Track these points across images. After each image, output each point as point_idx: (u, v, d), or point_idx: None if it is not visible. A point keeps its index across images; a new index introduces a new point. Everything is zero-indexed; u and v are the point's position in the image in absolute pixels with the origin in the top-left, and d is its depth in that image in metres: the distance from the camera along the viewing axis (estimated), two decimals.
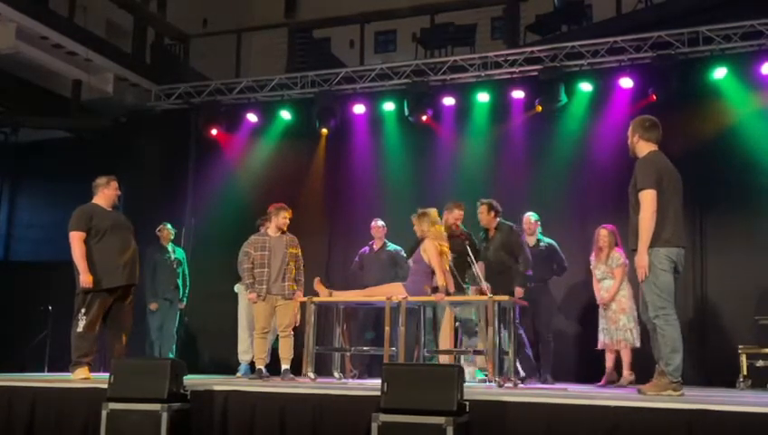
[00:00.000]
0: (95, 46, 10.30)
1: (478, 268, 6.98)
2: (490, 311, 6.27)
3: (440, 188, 9.41)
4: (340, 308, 7.19)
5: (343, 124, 10.34)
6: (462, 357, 7.01)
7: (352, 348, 7.45)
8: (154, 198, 10.47)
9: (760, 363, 7.39)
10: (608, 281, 7.54)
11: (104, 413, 4.85)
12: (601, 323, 7.60)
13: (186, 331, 9.53)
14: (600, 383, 7.52)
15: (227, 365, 8.76)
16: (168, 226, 9.08)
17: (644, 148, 5.43)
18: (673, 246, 5.22)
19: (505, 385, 6.23)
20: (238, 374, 8.20)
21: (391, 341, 6.53)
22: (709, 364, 8.02)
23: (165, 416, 4.76)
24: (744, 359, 7.43)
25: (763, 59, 8.61)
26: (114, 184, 6.78)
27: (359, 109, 10.29)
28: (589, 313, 8.16)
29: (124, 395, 4.89)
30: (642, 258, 5.19)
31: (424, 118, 9.79)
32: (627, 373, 7.42)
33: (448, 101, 9.90)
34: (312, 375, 6.71)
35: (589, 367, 7.97)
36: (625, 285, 7.49)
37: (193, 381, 5.47)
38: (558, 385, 7.28)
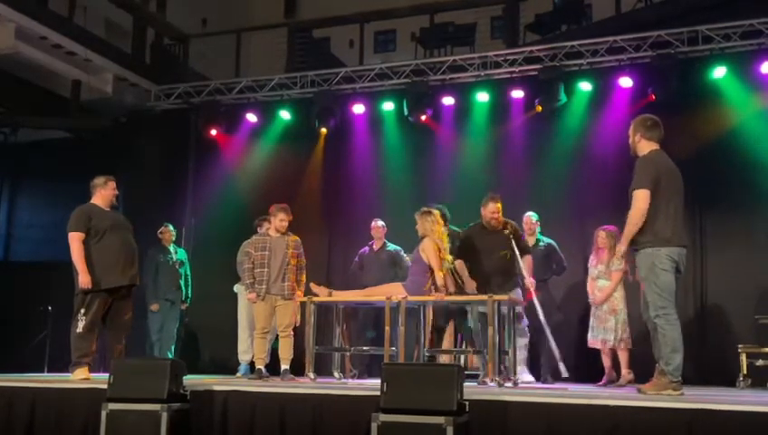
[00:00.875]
0: (95, 46, 10.29)
1: (525, 262, 6.86)
2: (490, 311, 6.27)
3: (440, 188, 9.41)
4: (340, 308, 7.19)
5: (343, 124, 10.34)
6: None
7: (352, 348, 7.44)
8: (154, 198, 10.46)
9: (760, 363, 7.39)
10: (603, 281, 7.54)
11: (104, 413, 4.85)
12: (591, 322, 7.63)
13: (186, 331, 9.52)
14: (600, 383, 7.52)
15: (227, 365, 8.76)
16: (170, 226, 9.09)
17: (645, 147, 5.42)
18: (674, 245, 5.22)
19: (505, 384, 6.24)
20: (238, 374, 8.20)
21: (391, 341, 6.53)
22: (709, 364, 8.01)
23: (165, 416, 4.76)
24: (743, 358, 7.43)
25: (762, 58, 8.60)
26: (112, 184, 6.77)
27: (358, 109, 10.29)
28: (588, 312, 8.14)
29: (124, 395, 4.89)
30: (619, 252, 5.51)
31: (423, 118, 9.79)
32: (608, 374, 7.44)
33: (448, 100, 9.90)
34: (311, 375, 6.71)
35: (589, 367, 7.96)
36: (619, 288, 7.49)
37: (193, 381, 5.47)
38: (558, 385, 7.28)
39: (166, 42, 12.24)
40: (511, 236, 6.84)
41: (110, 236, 6.54)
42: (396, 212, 8.75)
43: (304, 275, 7.33)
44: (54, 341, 9.16)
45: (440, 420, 4.17)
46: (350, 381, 7.11)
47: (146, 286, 8.69)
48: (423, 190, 9.38)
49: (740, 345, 7.58)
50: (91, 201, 6.72)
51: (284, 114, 10.64)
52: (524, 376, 6.88)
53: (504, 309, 6.45)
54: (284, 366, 7.07)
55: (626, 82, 9.12)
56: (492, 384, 6.15)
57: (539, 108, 9.40)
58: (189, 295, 9.09)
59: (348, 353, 7.58)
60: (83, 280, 6.34)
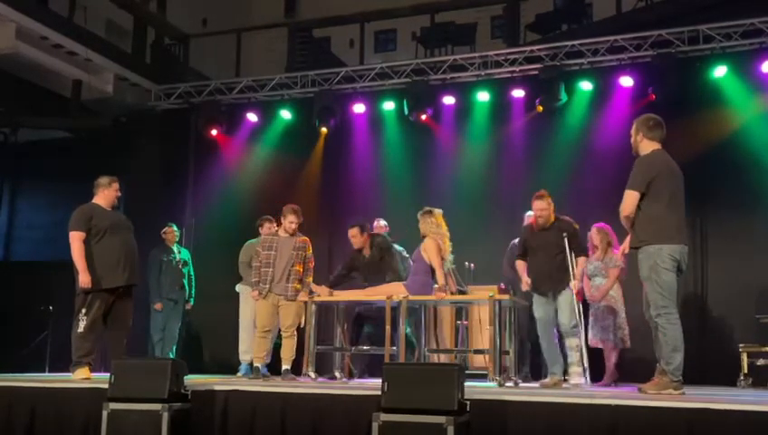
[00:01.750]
0: (95, 46, 10.29)
1: (578, 263, 6.64)
2: (490, 310, 6.27)
3: (440, 187, 9.43)
4: (341, 308, 7.19)
5: (343, 123, 10.34)
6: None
7: (353, 348, 7.45)
8: (154, 198, 10.46)
9: (761, 362, 7.39)
10: (599, 278, 7.52)
11: (105, 413, 4.85)
12: (591, 321, 7.61)
13: (187, 330, 9.52)
14: (601, 382, 7.51)
15: (228, 365, 8.76)
16: (174, 226, 9.10)
17: (647, 146, 5.42)
18: (676, 243, 5.22)
19: (506, 384, 6.24)
20: (239, 374, 8.20)
21: (392, 340, 6.53)
22: (710, 363, 8.01)
23: (165, 416, 4.76)
24: (744, 357, 7.43)
25: (763, 57, 8.60)
26: (116, 185, 6.77)
27: (359, 108, 10.30)
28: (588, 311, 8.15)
29: (125, 395, 4.89)
30: (624, 247, 5.54)
31: (424, 117, 9.80)
32: (609, 373, 7.43)
33: (448, 100, 9.90)
34: (312, 375, 6.71)
35: (590, 366, 7.95)
36: (616, 286, 7.48)
37: (194, 380, 5.47)
38: None
39: (166, 42, 12.24)
40: (563, 235, 6.54)
41: (110, 235, 6.54)
42: (396, 211, 8.76)
43: (311, 277, 7.31)
44: (55, 341, 9.17)
45: (441, 419, 4.17)
46: (350, 380, 7.11)
47: (149, 286, 8.71)
48: (424, 190, 9.39)
49: (741, 345, 7.58)
50: (93, 201, 6.71)
51: (285, 114, 10.65)
52: (576, 379, 6.56)
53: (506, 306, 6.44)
54: (286, 366, 7.06)
55: (626, 81, 9.13)
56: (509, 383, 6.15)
57: (539, 108, 9.40)
58: (193, 295, 9.10)
59: (348, 353, 7.57)
60: (84, 280, 6.34)
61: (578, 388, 6.20)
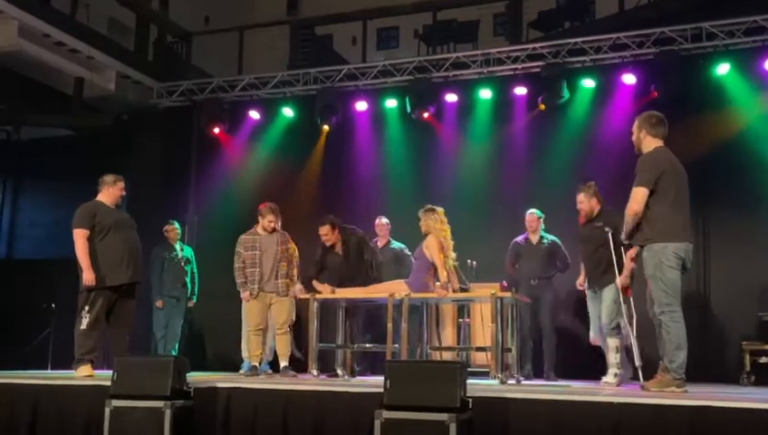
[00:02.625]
0: (97, 44, 10.29)
1: (627, 256, 6.34)
2: (492, 308, 6.27)
3: (442, 185, 9.42)
4: (343, 305, 7.19)
5: (345, 121, 10.33)
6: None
7: (355, 345, 7.45)
8: (156, 196, 10.47)
9: (763, 360, 7.40)
10: None
11: (107, 410, 4.85)
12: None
13: (189, 328, 9.53)
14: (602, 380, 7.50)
15: (231, 362, 8.76)
16: (176, 224, 9.11)
17: (650, 144, 5.41)
18: (681, 241, 5.22)
19: (508, 381, 6.24)
20: (241, 371, 8.20)
21: (394, 337, 6.53)
22: (712, 361, 8.00)
23: (168, 413, 4.76)
24: (747, 355, 7.43)
25: (766, 55, 8.57)
26: (121, 184, 6.76)
27: (361, 106, 10.29)
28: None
29: (127, 392, 4.89)
30: (631, 253, 5.42)
31: (426, 115, 9.79)
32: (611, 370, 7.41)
33: (451, 97, 9.89)
34: (315, 372, 6.72)
35: (592, 364, 7.95)
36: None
37: (196, 378, 5.47)
38: (561, 382, 7.28)
39: (168, 39, 12.24)
40: (606, 229, 6.35)
41: (114, 233, 6.54)
42: (398, 209, 8.75)
43: (296, 270, 7.32)
44: (57, 338, 9.17)
45: (443, 416, 4.17)
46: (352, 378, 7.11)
47: (151, 283, 8.72)
48: (426, 187, 9.38)
49: (743, 342, 7.57)
50: (98, 198, 6.71)
51: (287, 111, 10.64)
52: (609, 377, 6.51)
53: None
54: (283, 363, 7.08)
55: (629, 78, 9.11)
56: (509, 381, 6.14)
57: (542, 106, 9.39)
58: (196, 293, 9.11)
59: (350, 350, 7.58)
60: (87, 277, 6.35)
61: (608, 386, 6.17)
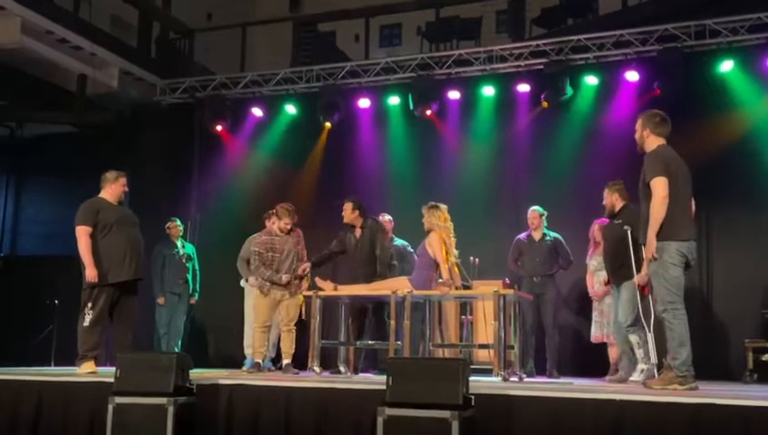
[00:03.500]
0: (100, 41, 10.29)
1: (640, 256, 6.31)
2: (495, 305, 6.26)
3: (445, 182, 9.42)
4: (346, 302, 7.19)
5: (348, 118, 10.33)
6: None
7: (358, 342, 7.45)
8: (159, 193, 10.46)
9: (766, 357, 7.38)
10: (602, 274, 7.51)
11: (110, 407, 4.85)
12: (594, 316, 7.60)
13: (192, 325, 9.54)
14: (605, 377, 7.50)
15: (233, 359, 8.77)
16: (178, 221, 9.11)
17: (653, 142, 5.41)
18: (684, 239, 5.21)
19: (511, 379, 6.24)
20: (244, 368, 8.21)
21: (396, 334, 6.53)
22: (715, 358, 8.00)
23: (171, 410, 4.76)
24: (750, 353, 7.42)
25: None
26: (123, 180, 6.77)
27: (363, 103, 10.29)
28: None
29: (130, 389, 4.89)
30: (651, 243, 5.19)
31: (429, 112, 9.78)
32: (614, 368, 7.42)
33: (453, 94, 9.88)
34: (317, 369, 6.72)
35: (594, 361, 7.96)
36: None
37: (199, 374, 5.48)
38: (563, 379, 7.28)
39: (171, 36, 12.23)
40: (624, 227, 6.38)
41: (116, 230, 6.54)
42: (401, 206, 8.75)
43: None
44: (61, 335, 9.19)
45: (446, 414, 4.16)
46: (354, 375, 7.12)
47: (152, 280, 8.72)
48: (428, 185, 9.39)
49: (746, 340, 7.56)
50: (100, 195, 6.71)
51: (290, 108, 10.64)
52: (634, 375, 6.54)
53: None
54: (286, 360, 7.09)
55: (632, 76, 9.10)
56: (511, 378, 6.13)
57: (545, 103, 9.38)
58: (198, 290, 9.12)
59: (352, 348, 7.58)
60: (90, 274, 6.35)
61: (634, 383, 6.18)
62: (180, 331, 8.94)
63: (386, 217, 8.57)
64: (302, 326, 7.51)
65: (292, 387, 5.15)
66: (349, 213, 7.50)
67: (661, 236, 5.18)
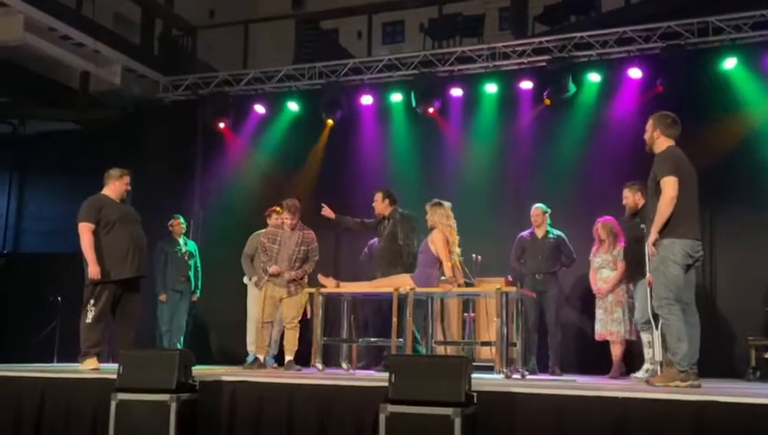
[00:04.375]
0: (103, 38, 10.28)
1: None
2: (497, 302, 6.26)
3: (447, 179, 9.41)
4: (348, 299, 7.19)
5: (350, 115, 10.32)
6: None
7: (360, 339, 7.45)
8: (161, 190, 10.47)
9: None
10: (606, 271, 7.51)
11: (113, 404, 4.87)
12: (598, 314, 7.59)
13: (194, 321, 9.56)
14: (609, 375, 7.50)
15: (236, 356, 8.78)
16: (180, 218, 9.12)
17: (663, 143, 5.45)
18: (689, 238, 5.24)
19: (513, 376, 6.24)
20: (246, 365, 8.22)
21: (399, 331, 6.53)
22: (718, 356, 7.96)
23: (173, 406, 4.78)
24: (753, 350, 7.41)
25: None
26: (126, 178, 6.77)
27: (366, 100, 10.28)
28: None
29: (133, 386, 4.91)
30: (652, 239, 5.25)
31: (431, 109, 9.77)
32: (616, 366, 7.41)
33: (456, 92, 9.87)
34: (319, 366, 6.72)
35: (597, 359, 7.95)
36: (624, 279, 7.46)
37: (201, 371, 5.48)
38: (566, 376, 7.28)
39: (174, 33, 12.23)
40: (642, 226, 6.40)
41: (119, 227, 6.55)
42: (403, 204, 8.71)
43: (310, 265, 7.29)
44: (63, 331, 9.20)
45: (448, 411, 4.17)
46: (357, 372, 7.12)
47: (155, 277, 8.73)
48: (431, 182, 9.38)
49: (750, 338, 7.55)
50: (103, 192, 6.72)
51: (292, 106, 10.64)
52: (640, 373, 6.62)
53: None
54: (289, 357, 7.09)
55: (635, 73, 9.08)
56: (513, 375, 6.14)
57: (547, 100, 9.36)
58: (200, 287, 9.13)
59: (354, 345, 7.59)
60: (93, 271, 6.36)
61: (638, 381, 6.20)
62: (182, 328, 8.96)
63: None
64: (305, 324, 7.51)
65: (294, 384, 5.16)
66: (379, 203, 7.64)
67: (668, 234, 5.20)
